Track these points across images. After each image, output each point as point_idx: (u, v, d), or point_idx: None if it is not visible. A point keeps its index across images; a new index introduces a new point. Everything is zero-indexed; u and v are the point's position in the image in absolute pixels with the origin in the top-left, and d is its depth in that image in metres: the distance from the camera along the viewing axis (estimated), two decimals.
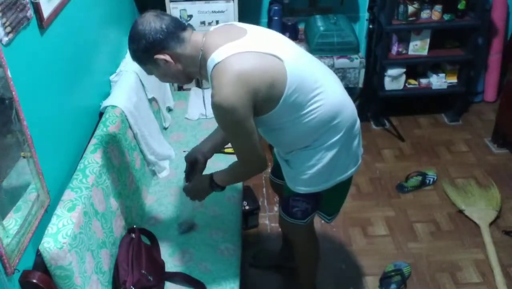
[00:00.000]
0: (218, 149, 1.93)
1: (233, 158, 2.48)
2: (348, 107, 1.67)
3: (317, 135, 1.63)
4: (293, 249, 2.09)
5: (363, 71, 3.11)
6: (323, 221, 2.50)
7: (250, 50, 1.46)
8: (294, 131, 1.60)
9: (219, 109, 1.43)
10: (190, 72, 1.60)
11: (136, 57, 1.55)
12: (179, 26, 1.52)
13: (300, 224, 1.87)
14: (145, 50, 1.50)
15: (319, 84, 1.56)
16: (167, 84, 2.84)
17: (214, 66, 1.45)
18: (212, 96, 1.43)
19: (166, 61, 1.51)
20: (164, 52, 1.50)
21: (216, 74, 1.44)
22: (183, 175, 2.39)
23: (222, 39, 1.49)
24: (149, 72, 1.62)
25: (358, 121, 1.75)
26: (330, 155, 1.66)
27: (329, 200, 1.85)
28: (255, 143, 1.54)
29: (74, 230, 1.50)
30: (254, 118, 1.51)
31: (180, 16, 2.94)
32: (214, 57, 1.45)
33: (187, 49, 1.52)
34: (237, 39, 1.49)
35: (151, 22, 1.48)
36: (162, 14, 1.52)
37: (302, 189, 1.76)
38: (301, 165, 1.70)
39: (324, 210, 1.91)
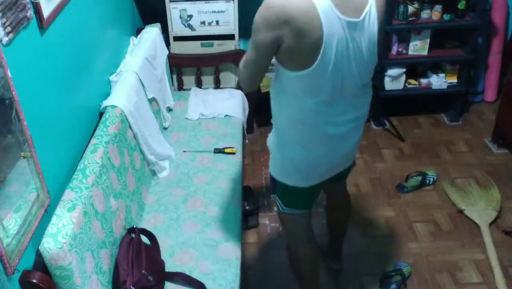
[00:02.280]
0: None
1: (234, 159, 2.52)
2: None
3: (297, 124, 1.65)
4: None
5: None
6: (323, 221, 2.52)
7: (319, 7, 1.38)
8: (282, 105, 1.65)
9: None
10: None
11: None
12: None
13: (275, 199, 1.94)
14: None
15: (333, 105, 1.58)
16: (167, 84, 2.84)
17: None
18: None
19: None
20: None
21: None
22: (183, 175, 2.40)
23: None
24: None
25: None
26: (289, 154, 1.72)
27: (281, 190, 1.87)
28: (256, 64, 1.57)
29: (74, 230, 1.50)
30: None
31: (180, 16, 2.94)
32: None
33: None
34: None
35: None
36: None
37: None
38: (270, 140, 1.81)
39: (279, 196, 1.91)
